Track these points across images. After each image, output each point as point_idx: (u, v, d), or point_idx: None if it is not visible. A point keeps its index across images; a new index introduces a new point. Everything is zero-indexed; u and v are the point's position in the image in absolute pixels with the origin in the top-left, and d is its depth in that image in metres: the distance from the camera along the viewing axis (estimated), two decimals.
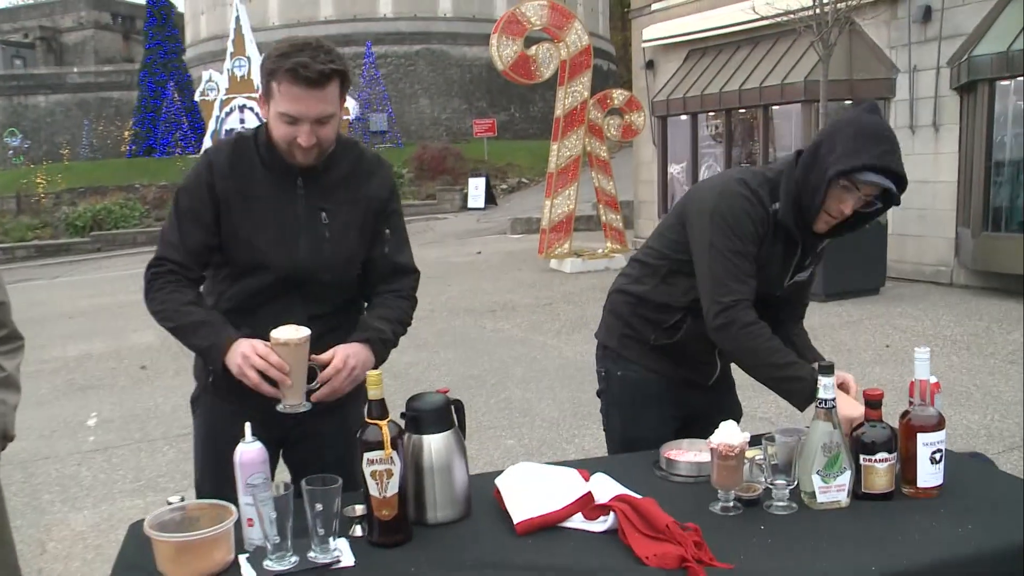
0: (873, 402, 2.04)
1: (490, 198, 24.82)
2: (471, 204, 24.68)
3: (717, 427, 2.41)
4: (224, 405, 2.33)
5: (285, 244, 2.27)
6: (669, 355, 2.59)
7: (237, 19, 29.84)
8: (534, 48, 12.60)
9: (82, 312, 11.45)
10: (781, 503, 2.00)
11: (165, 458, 5.49)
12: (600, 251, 13.65)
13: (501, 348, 8.26)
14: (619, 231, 13.83)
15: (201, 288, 2.36)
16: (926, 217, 10.65)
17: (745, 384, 2.65)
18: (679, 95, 13.97)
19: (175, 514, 1.90)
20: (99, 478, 5.19)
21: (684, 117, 14.22)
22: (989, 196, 9.97)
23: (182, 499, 1.97)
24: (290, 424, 2.28)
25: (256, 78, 29.92)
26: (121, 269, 16.14)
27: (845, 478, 1.99)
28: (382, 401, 1.91)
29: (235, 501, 1.92)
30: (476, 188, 24.87)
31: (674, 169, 14.77)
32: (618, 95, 13.70)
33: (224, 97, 29.55)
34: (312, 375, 2.16)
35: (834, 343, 7.72)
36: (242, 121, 29.43)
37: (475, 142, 28.72)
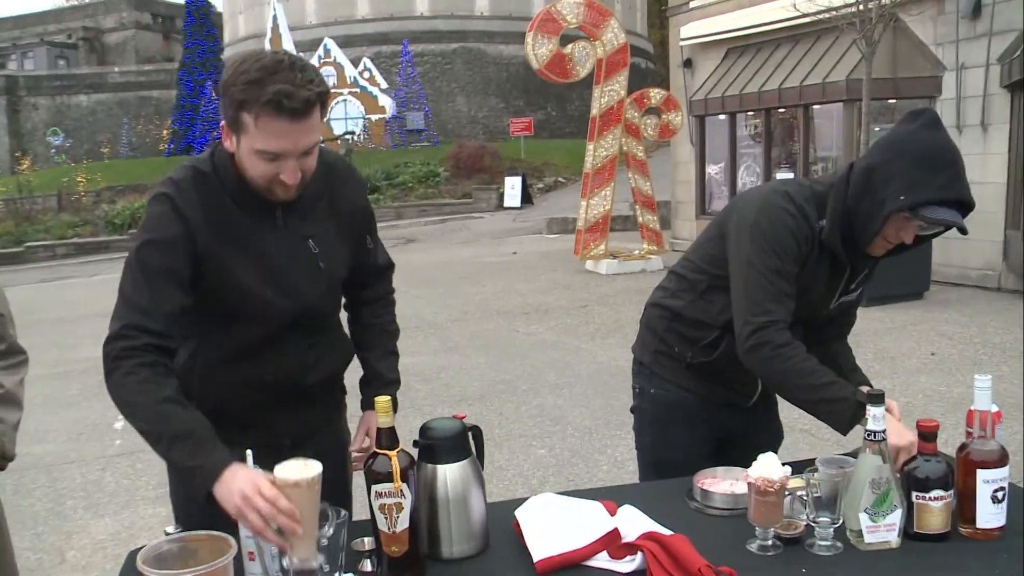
0: (927, 434, 1.86)
1: (526, 197, 24.68)
2: (507, 203, 24.57)
3: (756, 451, 2.27)
4: None
5: (282, 286, 2.03)
6: (705, 374, 2.44)
7: (275, 18, 30.07)
8: (570, 46, 12.42)
9: None
10: (825, 542, 1.84)
11: None
12: (636, 252, 13.45)
13: (534, 352, 8.12)
14: (656, 232, 13.61)
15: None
16: (973, 219, 9.87)
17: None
18: (717, 94, 13.73)
19: (172, 546, 1.78)
20: (122, 484, 5.13)
21: (722, 116, 13.97)
22: None
23: (181, 529, 1.85)
24: (283, 455, 1.99)
25: None
26: None
27: (896, 517, 1.82)
28: (392, 429, 1.78)
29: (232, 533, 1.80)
30: (512, 187, 24.75)
31: (712, 169, 14.53)
32: (655, 94, 13.48)
33: None
34: (323, 517, 1.74)
35: (876, 350, 7.48)
36: None
37: (512, 141, 28.61)
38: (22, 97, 41.04)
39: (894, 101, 11.15)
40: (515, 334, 9.01)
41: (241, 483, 1.68)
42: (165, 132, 34.54)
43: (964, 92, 10.55)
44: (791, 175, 12.67)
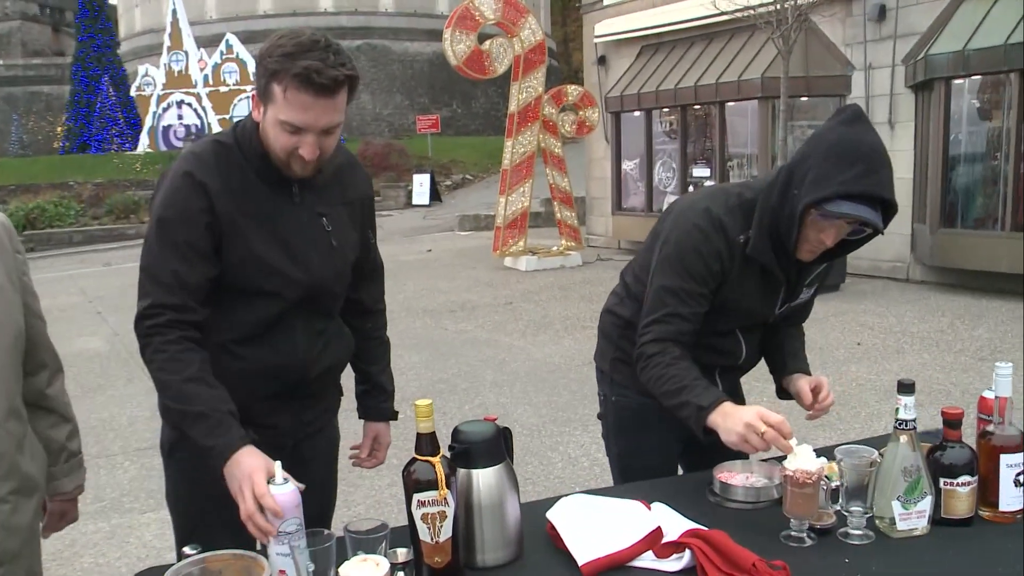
0: (952, 421, 1.89)
1: (435, 195, 24.62)
2: (416, 201, 24.47)
3: (722, 446, 2.28)
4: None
5: (298, 260, 2.04)
6: None
7: (174, 12, 29.13)
8: (488, 43, 12.40)
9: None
10: (857, 531, 1.86)
11: (127, 475, 5.17)
12: (555, 249, 13.52)
13: (467, 350, 8.07)
14: (574, 228, 13.71)
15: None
16: None
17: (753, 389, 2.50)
18: (633, 91, 13.90)
19: (193, 568, 1.67)
20: (123, 486, 4.89)
21: (638, 113, 14.15)
22: (946, 193, 10.07)
23: (199, 550, 1.74)
24: (284, 455, 2.01)
25: (194, 73, 29.29)
26: (58, 270, 15.49)
27: (926, 504, 1.85)
28: (433, 435, 1.72)
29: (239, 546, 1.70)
30: (421, 185, 24.65)
31: (627, 165, 14.70)
32: (573, 91, 13.57)
33: (161, 92, 28.79)
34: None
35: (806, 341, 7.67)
36: (180, 117, 28.76)
37: (418, 138, 28.41)
38: None
39: (806, 98, 11.48)
40: (445, 332, 8.93)
41: (242, 470, 1.75)
42: (59, 129, 33.03)
43: (872, 91, 10.95)
44: (707, 171, 12.92)
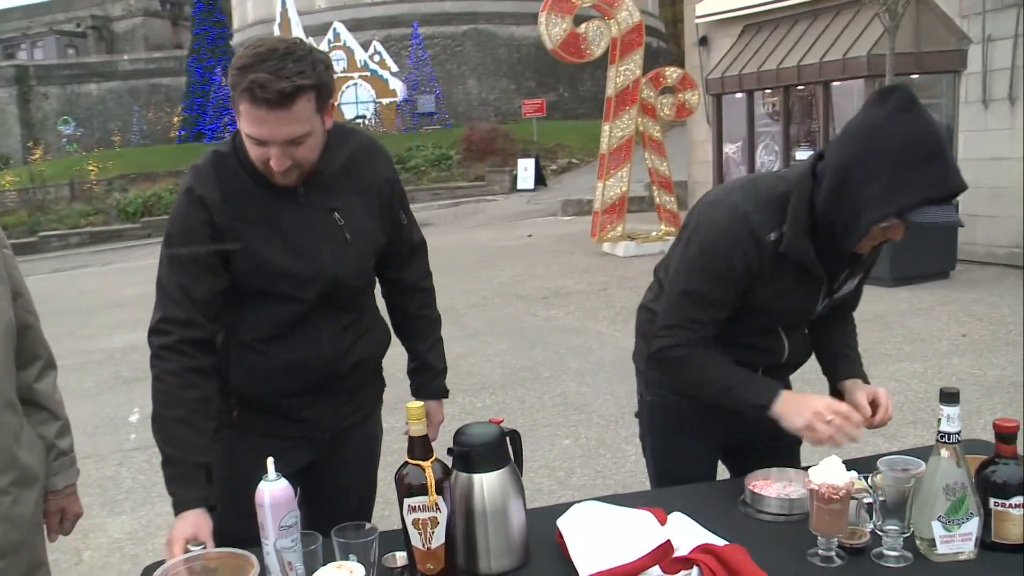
0: (1006, 435, 1.71)
1: (540, 179, 24.49)
2: (521, 185, 24.39)
3: (770, 454, 2.14)
4: (248, 438, 2.10)
5: (308, 259, 2.01)
6: None
7: (283, 2, 29.88)
8: (584, 26, 12.21)
9: (130, 301, 11.33)
10: (893, 553, 1.70)
11: None
12: (654, 234, 13.27)
13: (555, 337, 7.98)
14: (673, 213, 13.42)
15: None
16: (1000, 196, 10.09)
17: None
18: (734, 72, 13.49)
19: (192, 563, 1.68)
20: (139, 480, 5.03)
21: (740, 95, 13.73)
22: None
23: (204, 546, 1.75)
24: (322, 448, 2.18)
25: None
26: None
27: (972, 525, 1.68)
28: (425, 438, 1.65)
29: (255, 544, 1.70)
30: (526, 169, 24.56)
31: (729, 148, 14.30)
32: (671, 73, 13.27)
33: None
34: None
35: (906, 332, 7.31)
36: None
37: (524, 123, 28.38)
38: (33, 87, 41.04)
39: (916, 76, 10.90)
40: (535, 319, 8.87)
41: (175, 532, 1.84)
42: (176, 119, 34.44)
43: (991, 65, 10.30)
44: (811, 154, 12.44)
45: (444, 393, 2.40)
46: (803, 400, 1.98)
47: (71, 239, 20.99)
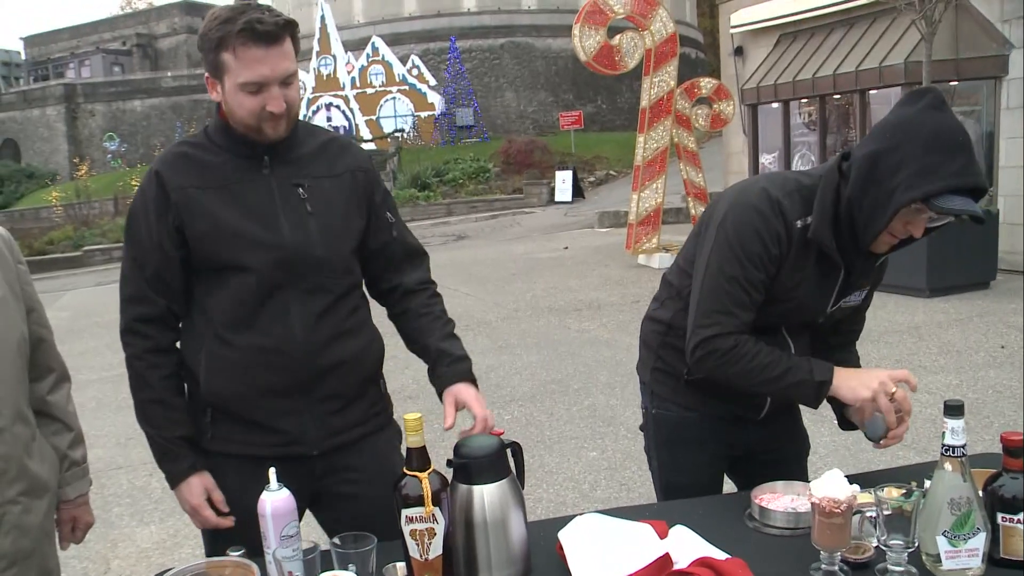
0: (1014, 449, 1.68)
1: (577, 191, 24.49)
2: (558, 198, 24.41)
3: (779, 465, 2.12)
4: (227, 465, 2.07)
5: (265, 224, 1.99)
6: (706, 390, 2.22)
7: (322, 18, 30.23)
8: (618, 37, 12.21)
9: None
10: (898, 568, 1.67)
11: None
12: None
13: (586, 350, 7.97)
14: None
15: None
16: None
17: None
18: (770, 82, 13.41)
19: (197, 571, 1.71)
20: (168, 491, 5.05)
21: (775, 105, 13.64)
22: None
23: (243, 551, 1.78)
24: (315, 474, 2.09)
25: (342, 76, 30.33)
26: None
27: (979, 541, 1.64)
28: (423, 449, 1.66)
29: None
30: (563, 181, 24.58)
31: (766, 159, 14.21)
32: (706, 83, 13.21)
33: (311, 96, 29.93)
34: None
35: (941, 344, 7.19)
36: (329, 119, 29.81)
37: (561, 135, 28.44)
38: (80, 104, 41.96)
39: (955, 83, 10.75)
40: (567, 332, 8.86)
41: (188, 504, 2.05)
42: None
43: None
44: None
45: (468, 374, 2.12)
46: (860, 374, 2.04)
47: (114, 253, 21.30)
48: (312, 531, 2.23)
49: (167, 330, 2.06)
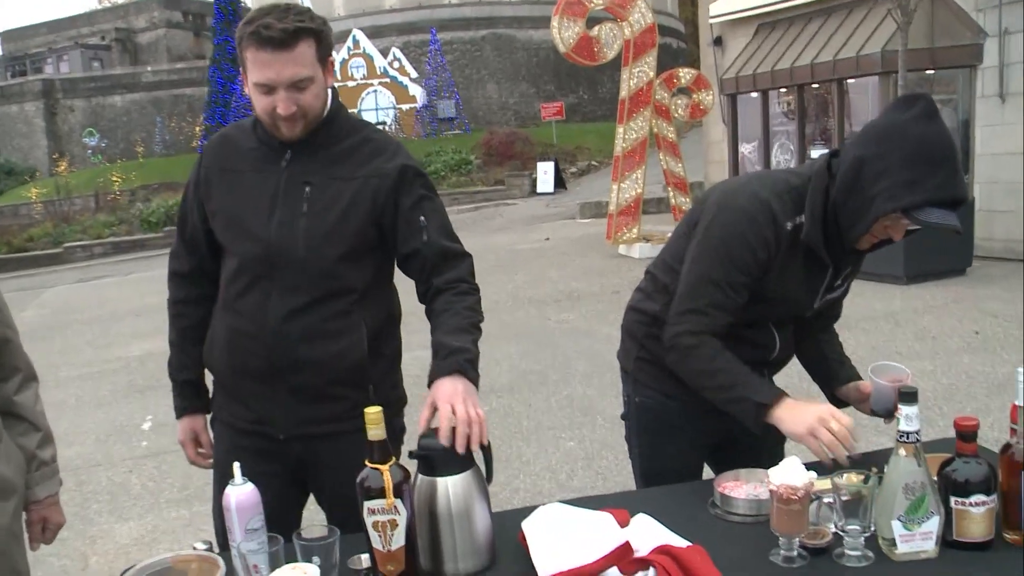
0: (966, 434, 1.71)
1: (559, 182, 24.47)
2: (540, 189, 24.37)
3: (757, 453, 2.15)
4: (223, 420, 2.25)
5: (256, 217, 2.08)
6: None
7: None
8: (596, 28, 12.22)
9: (149, 309, 11.44)
10: (855, 552, 1.70)
11: None
12: (669, 235, 13.22)
13: (565, 340, 8.00)
14: None
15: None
16: (1018, 191, 9.99)
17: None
18: (749, 71, 13.44)
19: (162, 566, 1.72)
20: (147, 486, 5.10)
21: (754, 94, 13.67)
22: None
23: (209, 546, 1.83)
24: (292, 460, 2.18)
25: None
26: None
27: (932, 524, 1.68)
28: (384, 442, 1.67)
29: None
30: (545, 172, 24.54)
31: (745, 148, 14.24)
32: (685, 74, 13.26)
33: None
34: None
35: (917, 330, 7.26)
36: None
37: (543, 126, 28.42)
38: (59, 100, 41.58)
39: (931, 72, 10.82)
40: (546, 322, 8.89)
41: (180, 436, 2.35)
42: (197, 128, 34.76)
43: (1007, 59, 10.19)
44: (825, 151, 12.36)
45: (461, 367, 1.91)
46: (805, 407, 2.00)
47: (95, 249, 21.21)
48: (316, 514, 2.31)
49: (194, 286, 2.27)
